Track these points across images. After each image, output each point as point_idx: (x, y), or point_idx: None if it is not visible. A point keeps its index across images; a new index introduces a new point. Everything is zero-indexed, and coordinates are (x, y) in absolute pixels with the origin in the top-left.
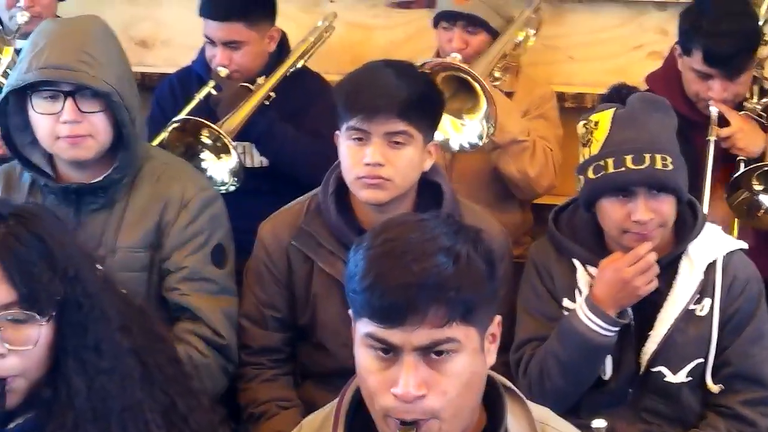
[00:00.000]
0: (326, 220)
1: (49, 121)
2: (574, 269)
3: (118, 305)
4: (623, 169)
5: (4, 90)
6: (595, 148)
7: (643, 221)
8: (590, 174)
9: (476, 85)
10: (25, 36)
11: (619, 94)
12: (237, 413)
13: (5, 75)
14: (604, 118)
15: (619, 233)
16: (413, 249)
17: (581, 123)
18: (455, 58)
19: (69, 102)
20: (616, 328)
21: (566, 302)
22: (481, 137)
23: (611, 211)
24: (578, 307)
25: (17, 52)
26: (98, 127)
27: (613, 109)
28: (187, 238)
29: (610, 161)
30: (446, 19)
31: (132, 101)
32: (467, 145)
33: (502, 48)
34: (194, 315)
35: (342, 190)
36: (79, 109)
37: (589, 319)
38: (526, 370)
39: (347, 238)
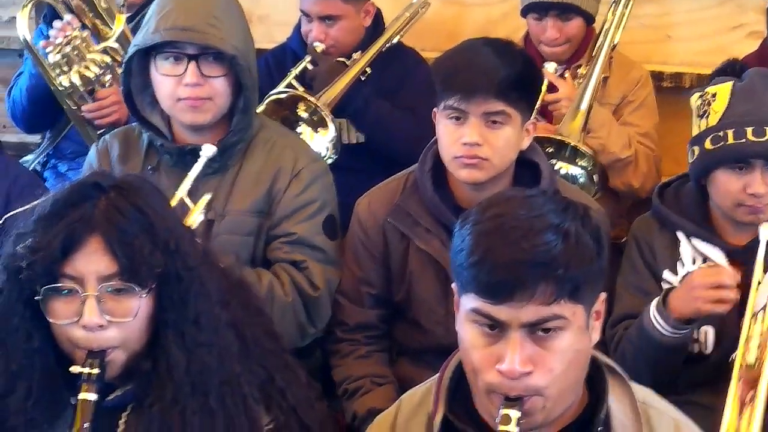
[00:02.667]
0: (423, 197)
1: (171, 83)
2: (676, 242)
3: (217, 279)
4: (744, 140)
5: (131, 49)
6: (713, 120)
7: (760, 194)
8: (707, 145)
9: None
10: (132, 7)
11: (732, 69)
12: (330, 390)
13: (120, 41)
14: (723, 90)
15: (733, 206)
16: (522, 225)
17: (696, 95)
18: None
19: (192, 65)
20: (679, 332)
21: (666, 274)
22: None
23: (727, 183)
24: (653, 302)
25: (128, 20)
26: (219, 90)
27: (731, 82)
28: (298, 206)
29: (730, 132)
30: (536, 10)
31: (253, 66)
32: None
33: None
34: (296, 265)
35: (439, 168)
36: (201, 72)
37: (654, 316)
38: (617, 348)
39: (444, 216)
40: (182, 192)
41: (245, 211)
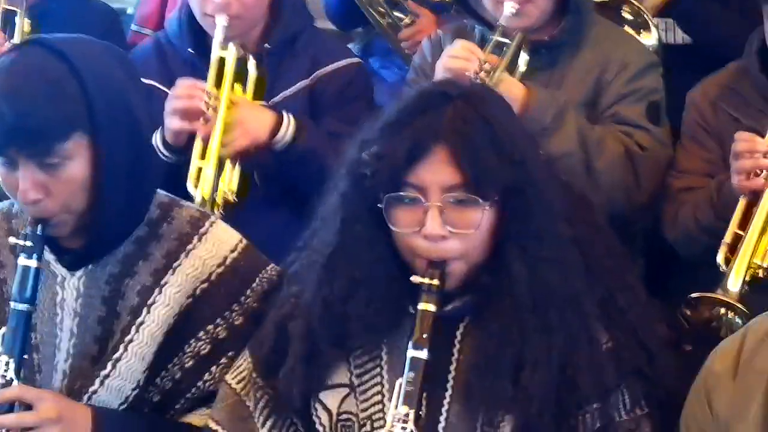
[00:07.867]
0: (752, 78)
1: None
2: None
3: (561, 193)
4: None
5: None
6: None
7: None
8: None
9: None
10: None
11: None
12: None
13: None
14: None
15: None
16: None
17: None
18: None
19: None
20: None
21: None
22: None
23: None
24: None
25: None
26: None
27: None
28: (622, 94)
29: None
30: None
31: None
32: None
33: None
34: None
35: (766, 50)
36: None
37: None
38: None
39: None
40: None
41: (576, 103)
